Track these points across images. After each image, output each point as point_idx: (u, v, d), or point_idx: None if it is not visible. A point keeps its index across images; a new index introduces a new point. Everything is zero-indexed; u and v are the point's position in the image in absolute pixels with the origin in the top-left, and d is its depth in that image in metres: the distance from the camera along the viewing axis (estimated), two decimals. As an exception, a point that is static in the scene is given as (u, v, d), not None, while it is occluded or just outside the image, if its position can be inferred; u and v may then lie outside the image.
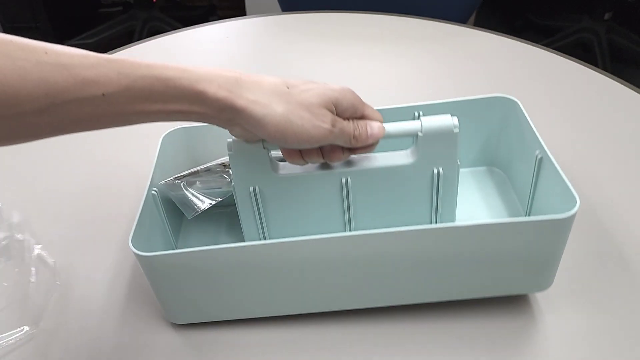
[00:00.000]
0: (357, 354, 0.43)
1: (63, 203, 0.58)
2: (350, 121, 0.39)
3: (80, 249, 0.52)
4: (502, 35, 0.88)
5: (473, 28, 0.90)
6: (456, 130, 0.41)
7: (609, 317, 0.45)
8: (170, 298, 0.43)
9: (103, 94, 0.32)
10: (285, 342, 0.44)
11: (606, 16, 1.80)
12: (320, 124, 0.37)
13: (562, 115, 0.70)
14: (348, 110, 0.39)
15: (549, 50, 0.83)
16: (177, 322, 0.45)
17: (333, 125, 0.37)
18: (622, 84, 0.75)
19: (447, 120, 0.40)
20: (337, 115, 0.39)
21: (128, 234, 0.52)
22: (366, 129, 0.39)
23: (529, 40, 0.86)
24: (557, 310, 0.45)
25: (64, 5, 1.96)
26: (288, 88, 0.37)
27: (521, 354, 0.43)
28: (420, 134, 0.41)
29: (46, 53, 0.31)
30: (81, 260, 0.51)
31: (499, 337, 0.44)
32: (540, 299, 0.46)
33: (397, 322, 0.44)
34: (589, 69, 0.79)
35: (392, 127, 0.41)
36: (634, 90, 0.74)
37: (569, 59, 0.81)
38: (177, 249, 0.50)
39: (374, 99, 0.73)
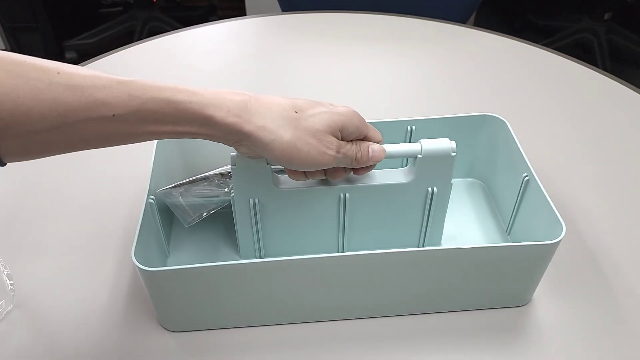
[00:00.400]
0: (351, 353, 0.43)
1: (55, 205, 0.58)
2: (353, 144, 0.40)
3: (74, 252, 0.52)
4: (502, 36, 0.88)
5: (473, 28, 0.91)
6: (453, 154, 0.42)
7: (593, 311, 0.46)
8: (168, 307, 0.43)
9: (113, 115, 0.32)
10: (279, 343, 0.44)
11: (606, 16, 1.80)
12: (326, 150, 0.38)
13: (562, 115, 0.70)
14: (353, 134, 0.40)
15: (548, 50, 0.83)
16: (172, 330, 0.45)
17: (338, 151, 0.39)
18: (621, 84, 0.75)
19: (445, 144, 0.42)
20: (342, 138, 0.40)
21: (122, 238, 0.51)
22: (368, 151, 0.41)
23: (528, 40, 0.87)
24: (546, 304, 0.46)
25: (64, 5, 1.96)
26: (296, 112, 0.38)
27: (513, 348, 0.43)
28: (419, 155, 0.42)
29: (58, 73, 0.31)
30: (73, 264, 0.51)
31: (490, 330, 0.44)
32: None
33: (387, 320, 0.46)
34: (588, 69, 0.79)
35: (394, 148, 0.42)
36: (634, 90, 0.74)
37: (568, 59, 0.81)
38: (169, 255, 0.50)
39: (374, 100, 0.74)
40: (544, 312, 0.46)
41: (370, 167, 0.42)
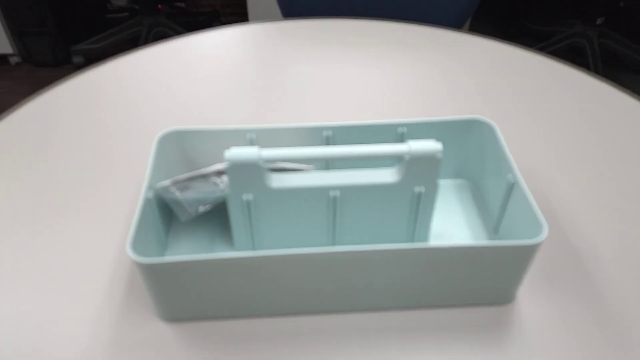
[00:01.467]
0: (339, 346, 0.44)
1: (56, 200, 0.58)
2: None
3: (73, 246, 0.52)
4: (496, 41, 0.88)
5: (468, 34, 0.91)
6: (440, 155, 0.43)
7: (577, 308, 0.47)
8: (164, 298, 0.44)
9: None
10: (271, 333, 0.45)
11: (598, 21, 1.80)
12: None
13: (554, 118, 0.70)
14: None
15: (541, 55, 0.84)
16: (168, 319, 0.46)
17: None
18: (614, 87, 0.76)
19: (432, 146, 0.43)
20: None
21: (122, 233, 0.51)
22: None
23: (523, 45, 0.88)
24: (531, 300, 0.47)
25: (71, 10, 1.98)
26: None
27: (499, 343, 0.44)
28: (407, 156, 0.43)
29: None
30: (72, 258, 0.51)
31: (473, 327, 0.45)
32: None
33: (372, 315, 0.46)
34: (581, 73, 0.79)
35: (382, 148, 0.43)
36: (626, 94, 0.74)
37: (561, 62, 0.82)
38: (167, 248, 0.51)
39: (371, 103, 0.75)
40: (527, 311, 0.46)
41: None
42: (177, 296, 0.44)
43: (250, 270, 0.42)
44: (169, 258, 0.40)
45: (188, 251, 0.51)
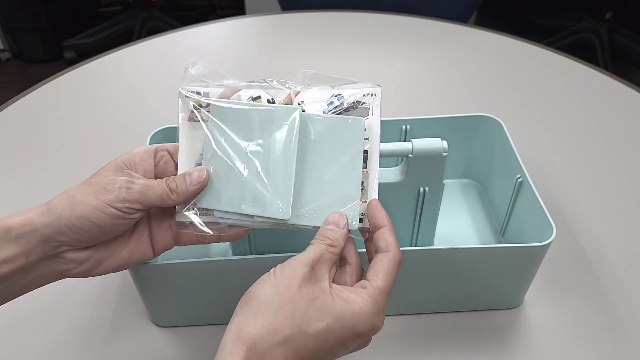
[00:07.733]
0: None
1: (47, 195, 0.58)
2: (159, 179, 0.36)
3: None
4: (503, 35, 0.88)
5: (474, 27, 0.90)
6: (445, 154, 0.42)
7: (584, 312, 0.46)
8: (157, 302, 0.44)
9: None
10: None
11: (607, 16, 1.80)
12: (111, 187, 0.35)
13: (563, 114, 0.70)
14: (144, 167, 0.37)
15: (549, 50, 0.83)
16: (162, 325, 0.45)
17: (129, 184, 0.35)
18: (623, 83, 0.75)
19: (437, 144, 0.42)
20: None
21: None
22: (184, 178, 0.36)
23: (529, 40, 0.86)
24: (539, 305, 0.47)
25: (63, 4, 1.96)
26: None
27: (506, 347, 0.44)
28: (410, 155, 0.42)
29: None
30: None
31: (481, 332, 0.45)
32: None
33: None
34: (590, 69, 0.79)
35: (385, 146, 0.42)
36: (636, 90, 0.74)
37: (570, 58, 0.81)
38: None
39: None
40: (536, 315, 0.46)
41: (193, 193, 0.36)
42: (170, 300, 0.43)
43: (246, 273, 0.41)
44: (161, 262, 0.40)
45: (184, 253, 0.50)
